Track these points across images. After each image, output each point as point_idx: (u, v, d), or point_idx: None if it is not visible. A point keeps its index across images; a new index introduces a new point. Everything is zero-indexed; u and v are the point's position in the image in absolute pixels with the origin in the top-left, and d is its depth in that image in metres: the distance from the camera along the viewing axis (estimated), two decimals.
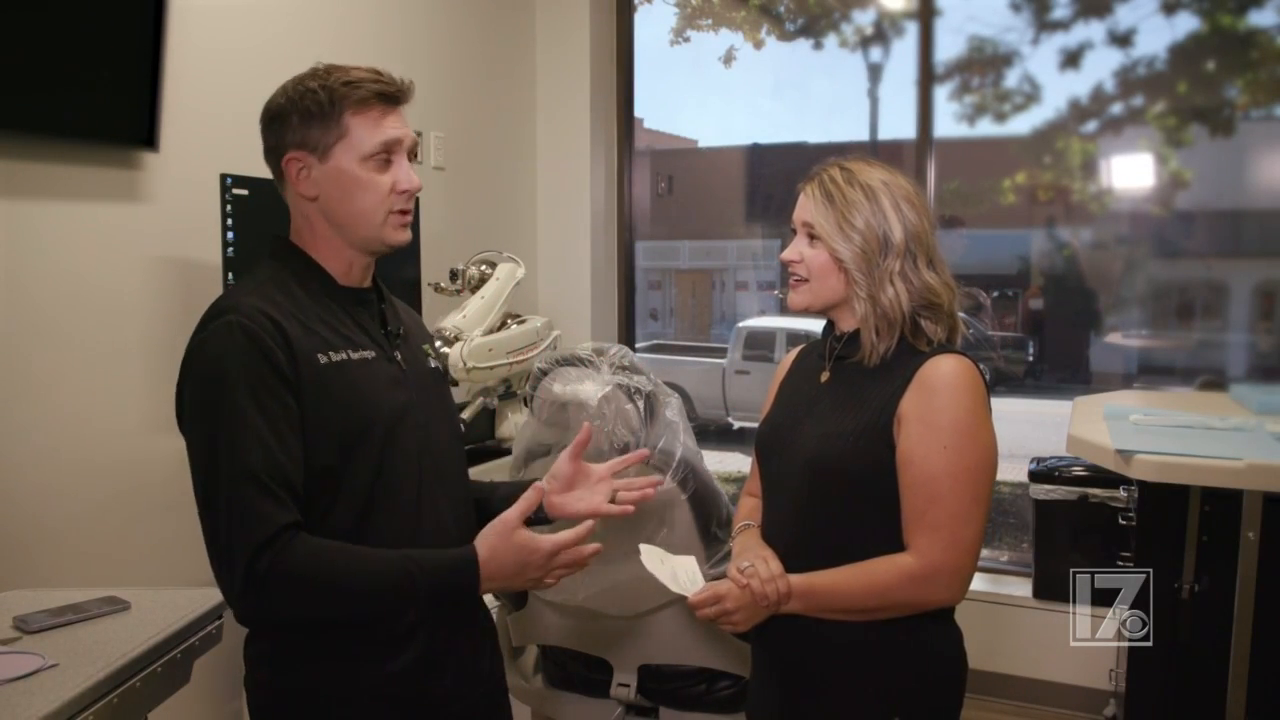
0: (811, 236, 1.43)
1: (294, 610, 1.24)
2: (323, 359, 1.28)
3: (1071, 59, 3.60)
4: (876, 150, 3.75)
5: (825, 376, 1.48)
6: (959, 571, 1.34)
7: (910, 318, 1.40)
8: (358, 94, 1.29)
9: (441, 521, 1.37)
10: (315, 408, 1.26)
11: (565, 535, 1.26)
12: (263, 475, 1.19)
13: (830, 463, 1.39)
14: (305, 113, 1.29)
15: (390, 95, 1.32)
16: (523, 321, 2.90)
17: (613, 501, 1.48)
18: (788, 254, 1.46)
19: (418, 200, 1.40)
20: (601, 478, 1.50)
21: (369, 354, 1.34)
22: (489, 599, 2.19)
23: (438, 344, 1.58)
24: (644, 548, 1.46)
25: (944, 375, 1.35)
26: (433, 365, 1.47)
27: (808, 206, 1.44)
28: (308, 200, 1.33)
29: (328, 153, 1.30)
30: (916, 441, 1.34)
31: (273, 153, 1.34)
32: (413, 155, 1.36)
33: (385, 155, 1.31)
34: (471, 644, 1.44)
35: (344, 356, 1.30)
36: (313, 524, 1.24)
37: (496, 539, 1.27)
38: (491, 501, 1.49)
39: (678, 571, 1.44)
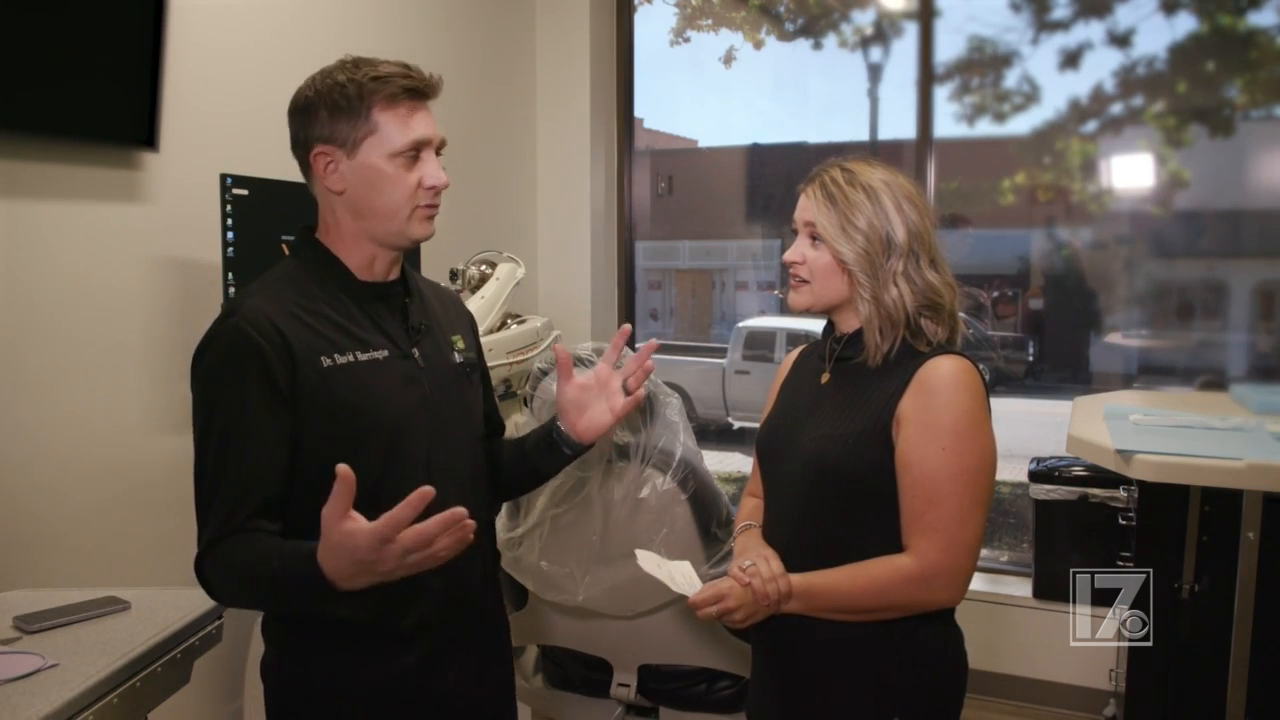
0: (814, 238, 1.43)
1: (229, 602, 1.38)
2: (326, 362, 1.29)
3: (1071, 59, 3.60)
4: (876, 150, 3.75)
5: (825, 378, 1.48)
6: (958, 573, 1.34)
7: (913, 318, 1.40)
8: (387, 89, 1.29)
9: None
10: (316, 411, 1.28)
11: (382, 521, 1.07)
12: (232, 482, 1.24)
13: (830, 464, 1.39)
14: (334, 107, 1.29)
15: (419, 91, 1.32)
16: (523, 321, 2.90)
17: (626, 390, 1.48)
18: (790, 255, 1.46)
19: None
20: (606, 380, 1.48)
21: (381, 354, 1.34)
22: None
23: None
24: (640, 553, 1.47)
25: (943, 376, 1.35)
26: (458, 360, 1.46)
27: (809, 208, 1.43)
28: (334, 194, 1.33)
29: (356, 148, 1.30)
30: (915, 443, 1.34)
31: (300, 146, 1.34)
32: (439, 150, 1.36)
33: (414, 152, 1.31)
34: (477, 645, 1.45)
35: (350, 359, 1.31)
36: (316, 523, 1.24)
37: (322, 538, 1.12)
38: (526, 456, 1.53)
39: (675, 575, 1.45)
